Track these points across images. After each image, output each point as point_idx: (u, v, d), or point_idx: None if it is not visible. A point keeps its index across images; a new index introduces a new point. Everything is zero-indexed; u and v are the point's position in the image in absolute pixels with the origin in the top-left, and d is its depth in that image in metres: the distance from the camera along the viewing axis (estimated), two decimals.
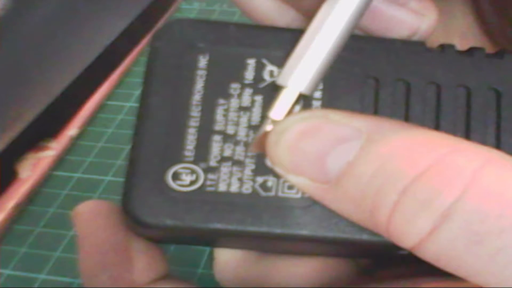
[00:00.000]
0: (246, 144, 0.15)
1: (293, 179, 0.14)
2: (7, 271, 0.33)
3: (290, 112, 0.15)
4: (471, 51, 0.16)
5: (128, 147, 0.42)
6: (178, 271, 0.32)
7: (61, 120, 0.41)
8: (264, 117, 0.15)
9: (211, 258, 0.33)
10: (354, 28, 0.15)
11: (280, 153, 0.14)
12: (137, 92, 0.45)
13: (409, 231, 0.13)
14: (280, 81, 0.15)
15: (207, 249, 0.34)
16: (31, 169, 0.38)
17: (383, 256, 0.17)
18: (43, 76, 0.41)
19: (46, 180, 0.38)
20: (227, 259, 0.18)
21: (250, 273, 0.17)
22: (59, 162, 0.39)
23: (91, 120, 0.43)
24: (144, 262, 0.16)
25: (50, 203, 0.37)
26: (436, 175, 0.13)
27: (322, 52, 0.15)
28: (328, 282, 0.17)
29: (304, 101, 0.15)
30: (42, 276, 0.33)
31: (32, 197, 0.37)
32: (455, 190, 0.12)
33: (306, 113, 0.15)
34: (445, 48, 0.16)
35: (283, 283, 0.17)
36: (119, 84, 0.46)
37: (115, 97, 0.45)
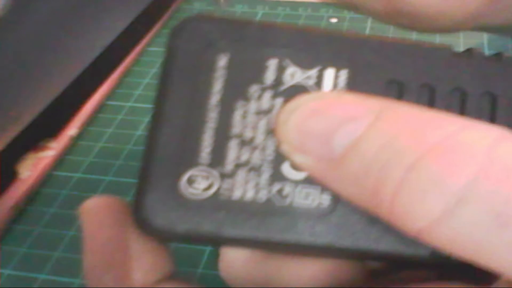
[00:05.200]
0: (264, 149, 0.15)
1: (298, 158, 0.14)
2: (7, 271, 0.33)
3: None
4: (499, 55, 0.16)
5: (128, 147, 0.42)
6: (178, 271, 0.31)
7: (61, 120, 0.41)
8: None
9: (211, 258, 0.33)
10: None
11: (289, 131, 0.14)
12: (137, 92, 0.45)
13: (417, 212, 0.12)
14: None
15: (207, 249, 0.34)
16: (31, 169, 0.38)
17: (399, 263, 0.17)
18: (43, 76, 0.41)
19: (46, 180, 0.38)
20: (233, 258, 0.18)
21: (257, 272, 0.17)
22: (59, 162, 0.39)
23: (91, 120, 0.43)
24: (150, 262, 0.16)
25: (50, 203, 0.37)
26: (447, 152, 0.12)
27: None
28: (336, 283, 0.17)
29: None
30: (42, 276, 0.33)
31: (32, 197, 0.37)
32: (471, 168, 0.12)
33: (320, 93, 0.14)
34: (472, 52, 0.16)
35: (290, 283, 0.17)
36: (119, 84, 0.46)
37: (115, 97, 0.45)
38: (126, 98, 0.45)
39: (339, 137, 0.13)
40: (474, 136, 0.12)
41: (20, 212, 0.36)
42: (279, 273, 0.17)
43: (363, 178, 0.13)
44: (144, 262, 0.16)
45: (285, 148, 0.14)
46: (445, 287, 0.15)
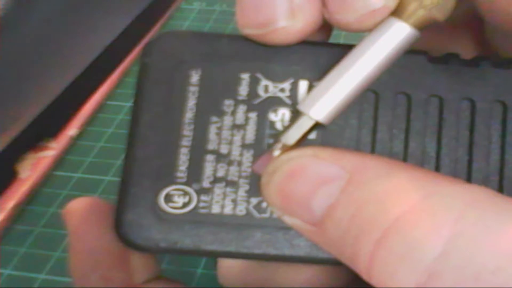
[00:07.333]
0: (240, 164, 0.15)
1: (288, 220, 0.14)
2: (7, 271, 0.33)
3: (302, 139, 0.14)
4: (476, 60, 0.15)
5: None
6: (178, 271, 0.31)
7: (61, 120, 0.41)
8: (258, 135, 0.15)
9: (211, 258, 0.33)
10: (386, 67, 0.14)
11: (272, 195, 0.14)
12: None
13: (392, 285, 0.12)
14: (301, 107, 0.14)
15: None
16: (31, 169, 0.38)
17: None
18: (43, 76, 0.41)
19: (46, 180, 0.38)
20: (230, 264, 0.18)
21: (253, 277, 0.17)
22: (59, 162, 0.39)
23: (91, 120, 0.43)
24: (137, 262, 0.16)
25: (50, 203, 0.37)
26: (412, 224, 0.12)
27: (349, 88, 0.14)
28: (331, 284, 0.17)
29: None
30: (42, 276, 0.33)
31: (32, 197, 0.37)
32: (437, 241, 0.11)
33: (295, 152, 0.14)
34: (449, 58, 0.15)
35: (285, 286, 0.17)
36: (119, 84, 0.46)
37: (115, 97, 0.45)
38: (126, 98, 0.45)
39: (317, 202, 0.13)
40: (440, 204, 0.12)
41: (20, 212, 0.36)
42: (275, 277, 0.17)
43: (341, 246, 0.13)
44: (133, 261, 0.16)
45: (274, 211, 0.14)
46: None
